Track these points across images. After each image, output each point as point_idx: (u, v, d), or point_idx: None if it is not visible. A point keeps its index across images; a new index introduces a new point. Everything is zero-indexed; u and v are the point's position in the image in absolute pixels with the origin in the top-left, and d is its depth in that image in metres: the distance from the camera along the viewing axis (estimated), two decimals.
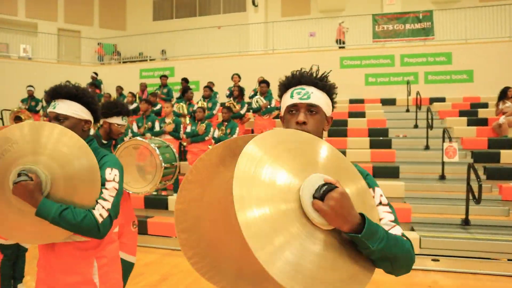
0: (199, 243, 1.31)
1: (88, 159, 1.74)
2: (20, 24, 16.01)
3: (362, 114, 9.73)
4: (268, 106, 8.02)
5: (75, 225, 1.67)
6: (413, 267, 1.25)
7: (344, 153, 7.68)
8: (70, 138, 1.75)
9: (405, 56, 11.61)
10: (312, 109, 1.36)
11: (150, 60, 15.34)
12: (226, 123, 7.04)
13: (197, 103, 8.67)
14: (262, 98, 8.13)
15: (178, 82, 11.23)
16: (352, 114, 9.77)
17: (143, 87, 10.81)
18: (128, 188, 3.21)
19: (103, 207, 1.74)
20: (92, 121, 2.04)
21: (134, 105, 9.35)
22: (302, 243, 0.96)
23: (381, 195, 1.31)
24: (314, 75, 1.41)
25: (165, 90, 10.21)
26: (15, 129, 1.75)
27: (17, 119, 9.70)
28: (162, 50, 15.58)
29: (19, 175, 1.66)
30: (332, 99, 1.44)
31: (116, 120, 3.15)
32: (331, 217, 0.98)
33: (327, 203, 0.98)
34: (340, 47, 12.56)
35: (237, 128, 7.06)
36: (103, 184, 1.81)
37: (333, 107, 1.47)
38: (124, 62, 15.51)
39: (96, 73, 12.84)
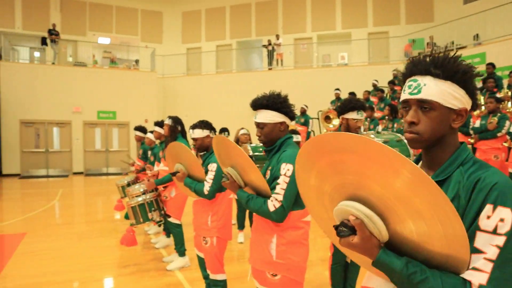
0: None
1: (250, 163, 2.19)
2: (338, 36, 18.31)
3: None
4: None
5: (255, 210, 2.21)
6: None
7: None
8: (242, 153, 2.21)
9: None
10: (424, 105, 1.13)
11: (457, 48, 14.08)
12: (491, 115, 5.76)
13: (499, 92, 7.39)
14: None
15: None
16: None
17: None
18: None
19: (276, 199, 2.12)
20: (287, 121, 2.35)
21: None
22: None
23: (501, 220, 0.97)
24: (435, 59, 1.14)
25: None
26: (223, 140, 2.37)
27: (327, 118, 11.30)
28: (475, 35, 13.98)
29: (222, 176, 2.39)
30: (467, 87, 1.13)
31: (351, 115, 3.33)
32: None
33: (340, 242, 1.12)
34: None
35: (507, 121, 5.63)
36: (277, 178, 2.16)
37: (472, 95, 1.15)
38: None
39: (396, 70, 13.05)
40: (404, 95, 1.18)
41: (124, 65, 17.38)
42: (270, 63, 17.18)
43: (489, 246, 0.96)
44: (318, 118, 13.39)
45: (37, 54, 17.12)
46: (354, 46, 17.55)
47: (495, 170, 1.06)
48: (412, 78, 1.17)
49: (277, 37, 17.02)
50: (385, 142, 3.13)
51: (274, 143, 2.31)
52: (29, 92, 14.95)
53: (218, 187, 3.19)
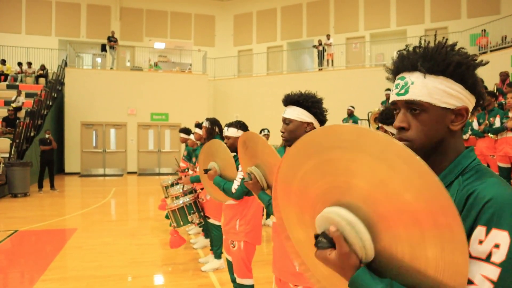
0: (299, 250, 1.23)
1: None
2: (392, 34, 17.58)
3: None
4: None
5: None
6: None
7: None
8: (273, 152, 2.06)
9: None
10: (413, 107, 0.96)
11: None
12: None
13: None
14: None
15: None
16: None
17: (503, 76, 9.35)
18: None
19: None
20: (316, 123, 2.18)
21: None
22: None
23: (496, 246, 0.79)
24: (426, 51, 0.97)
25: None
26: (253, 136, 2.26)
27: (377, 119, 10.87)
28: None
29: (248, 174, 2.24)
30: (464, 81, 0.94)
31: (392, 130, 3.13)
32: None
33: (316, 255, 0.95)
34: None
35: None
36: None
37: (473, 90, 0.96)
38: (492, 51, 13.86)
39: None
40: (392, 96, 1.02)
41: (178, 68, 17.91)
42: (320, 64, 16.87)
43: (481, 277, 0.79)
44: (368, 120, 12.90)
45: (99, 60, 18.16)
46: (409, 44, 16.74)
47: (494, 181, 0.87)
48: (400, 75, 1.00)
49: (328, 37, 16.68)
50: None
51: None
52: (90, 95, 15.88)
53: (247, 188, 3.12)
